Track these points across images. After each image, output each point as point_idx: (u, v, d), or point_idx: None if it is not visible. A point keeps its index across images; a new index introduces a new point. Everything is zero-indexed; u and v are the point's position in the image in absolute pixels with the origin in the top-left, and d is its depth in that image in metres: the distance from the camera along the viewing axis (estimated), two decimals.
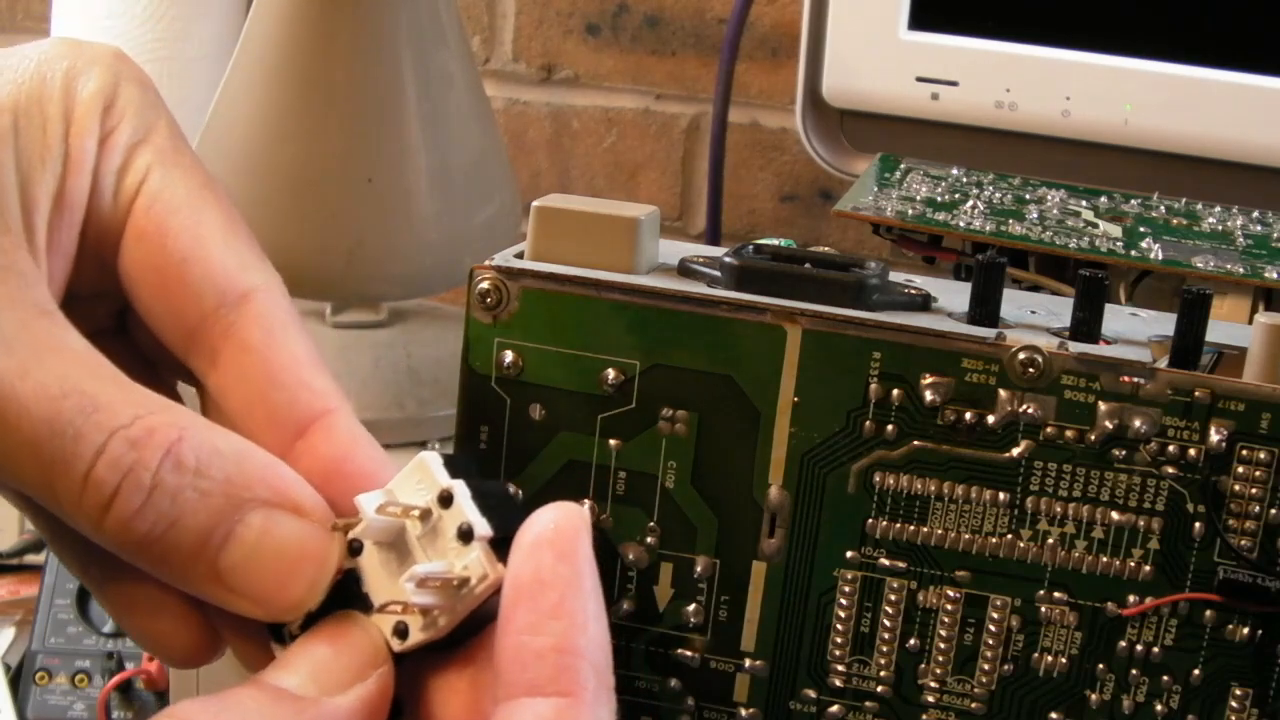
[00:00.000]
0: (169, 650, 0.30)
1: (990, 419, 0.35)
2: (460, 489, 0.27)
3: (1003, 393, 0.35)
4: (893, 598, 0.37)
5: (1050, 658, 0.36)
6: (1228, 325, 0.38)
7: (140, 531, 0.26)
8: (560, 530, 0.26)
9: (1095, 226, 0.52)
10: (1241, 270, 0.48)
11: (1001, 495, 0.36)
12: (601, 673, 0.25)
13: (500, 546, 0.26)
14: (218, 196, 0.30)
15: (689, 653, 0.38)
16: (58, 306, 0.28)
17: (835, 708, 0.38)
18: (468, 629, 0.27)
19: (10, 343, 0.26)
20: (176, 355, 0.30)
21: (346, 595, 0.28)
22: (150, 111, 0.30)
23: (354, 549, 0.28)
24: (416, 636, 0.27)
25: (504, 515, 0.27)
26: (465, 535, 0.26)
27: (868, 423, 0.36)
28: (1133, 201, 0.58)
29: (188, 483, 0.26)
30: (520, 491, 0.31)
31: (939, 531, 0.36)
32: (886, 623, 0.37)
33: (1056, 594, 0.36)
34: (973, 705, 0.37)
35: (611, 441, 0.37)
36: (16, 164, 0.27)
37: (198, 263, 0.29)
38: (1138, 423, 0.35)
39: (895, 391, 0.36)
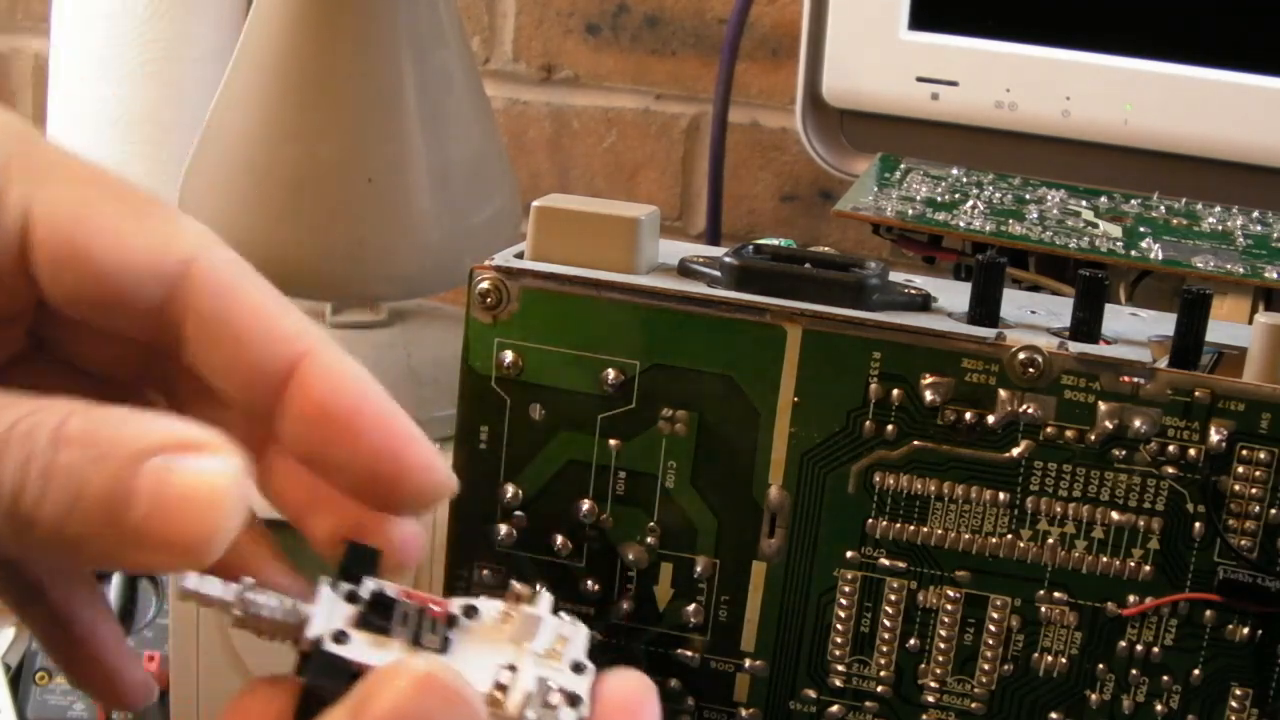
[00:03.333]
0: (118, 696, 0.32)
1: (990, 419, 0.35)
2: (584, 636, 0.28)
3: (1003, 393, 0.35)
4: (893, 598, 0.37)
5: (1050, 658, 0.36)
6: (1228, 325, 0.38)
7: (52, 520, 0.25)
8: (639, 691, 0.28)
9: (1095, 226, 0.52)
10: (1241, 270, 0.48)
11: (1001, 495, 0.36)
12: None
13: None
14: (111, 179, 0.29)
15: (689, 653, 0.38)
16: None
17: (835, 708, 0.38)
18: None
19: None
20: (138, 347, 0.29)
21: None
22: (5, 128, 0.29)
23: (453, 620, 0.27)
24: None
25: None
26: (578, 669, 0.27)
27: (868, 423, 0.36)
28: (1133, 201, 0.58)
29: (78, 455, 0.25)
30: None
31: (939, 531, 0.36)
32: (886, 623, 0.37)
33: (1056, 594, 0.36)
34: (973, 705, 0.37)
35: (611, 441, 0.37)
36: None
37: (113, 251, 0.28)
38: (1138, 423, 0.35)
39: (895, 391, 0.36)
